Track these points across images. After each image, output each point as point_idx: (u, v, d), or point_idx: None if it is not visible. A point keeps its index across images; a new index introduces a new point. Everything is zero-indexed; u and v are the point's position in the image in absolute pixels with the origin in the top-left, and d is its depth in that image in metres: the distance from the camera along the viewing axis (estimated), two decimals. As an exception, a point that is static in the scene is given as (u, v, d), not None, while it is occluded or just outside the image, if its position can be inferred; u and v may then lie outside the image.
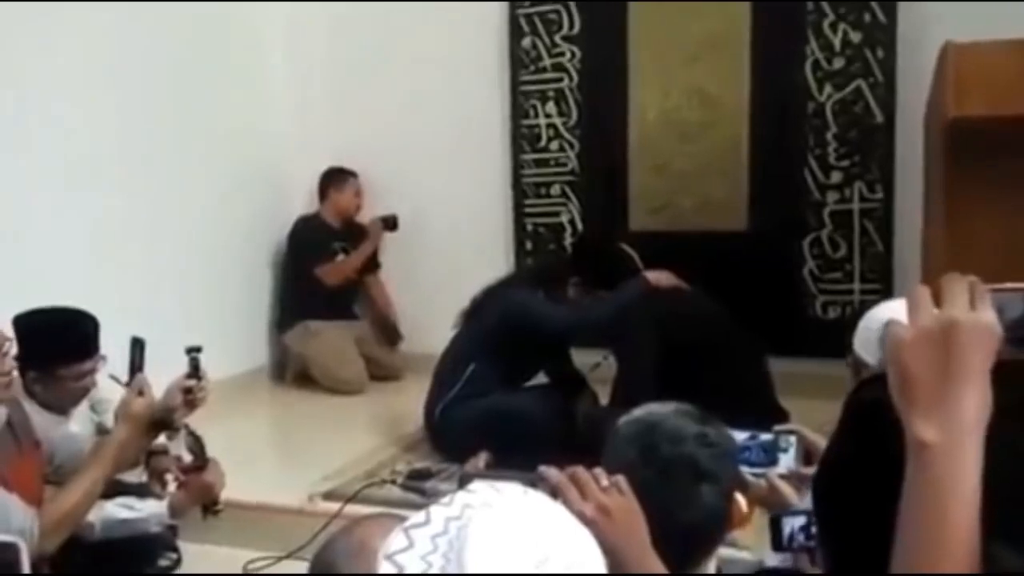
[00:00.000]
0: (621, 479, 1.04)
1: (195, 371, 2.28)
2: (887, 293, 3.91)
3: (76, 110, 3.46)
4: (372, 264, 4.54)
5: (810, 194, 4.02)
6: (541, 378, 3.60)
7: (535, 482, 1.05)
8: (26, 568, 1.87)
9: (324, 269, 4.34)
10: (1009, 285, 0.81)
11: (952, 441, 0.72)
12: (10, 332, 2.14)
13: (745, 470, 2.09)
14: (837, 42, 3.91)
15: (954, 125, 2.35)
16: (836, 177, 3.99)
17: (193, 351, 2.32)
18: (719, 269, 3.79)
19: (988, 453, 0.72)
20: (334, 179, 4.49)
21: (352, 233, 4.49)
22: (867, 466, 0.79)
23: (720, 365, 3.07)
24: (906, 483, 0.74)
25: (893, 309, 1.73)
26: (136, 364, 2.27)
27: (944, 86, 2.35)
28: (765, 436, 2.15)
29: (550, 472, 1.04)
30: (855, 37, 3.88)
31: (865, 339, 1.87)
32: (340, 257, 4.43)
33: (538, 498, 0.77)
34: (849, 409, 0.83)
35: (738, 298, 3.53)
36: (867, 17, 3.84)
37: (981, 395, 0.73)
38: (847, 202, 3.97)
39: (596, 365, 3.58)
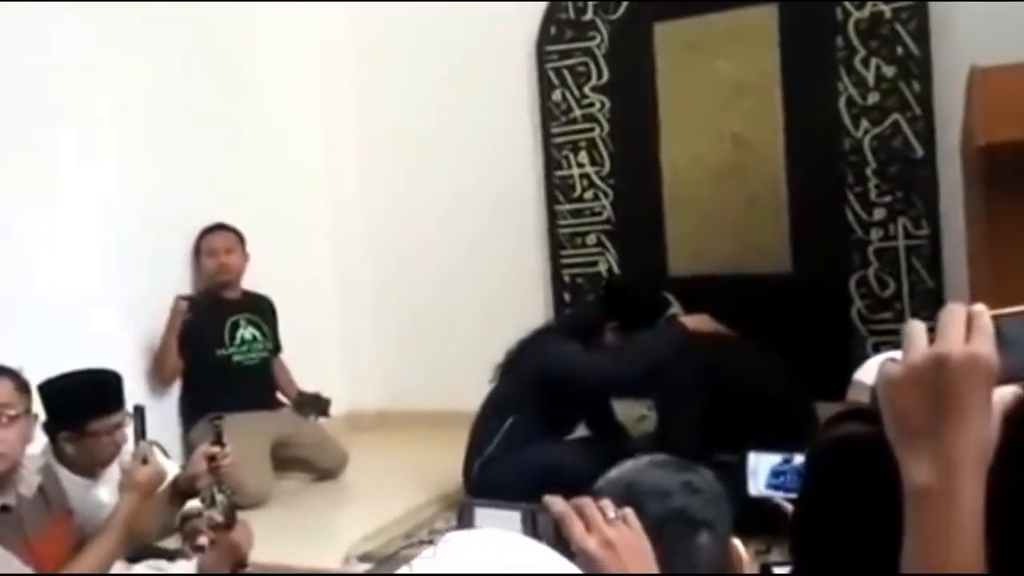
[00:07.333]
0: (629, 512, 0.97)
1: (218, 438, 2.29)
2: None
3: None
4: (274, 347, 3.97)
5: (853, 232, 3.91)
6: (583, 431, 3.52)
7: (538, 512, 0.99)
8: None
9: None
10: (1014, 309, 0.74)
11: (948, 483, 0.67)
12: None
13: (780, 496, 1.96)
14: (871, 77, 3.84)
15: (986, 151, 2.28)
16: (879, 214, 3.89)
17: (216, 419, 2.34)
18: (764, 312, 3.72)
19: (992, 493, 0.66)
20: (205, 237, 3.89)
21: (251, 302, 3.92)
22: (843, 509, 0.73)
23: (766, 413, 2.96)
24: (906, 529, 0.68)
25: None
26: (139, 432, 2.27)
27: (973, 112, 2.29)
28: (800, 459, 1.99)
29: (554, 502, 0.97)
30: (888, 71, 3.81)
31: (860, 384, 1.76)
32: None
33: (520, 542, 0.73)
34: (816, 452, 0.78)
35: (785, 342, 3.45)
36: (899, 51, 3.78)
37: (978, 433, 0.67)
38: (892, 239, 3.86)
39: (642, 417, 3.48)
